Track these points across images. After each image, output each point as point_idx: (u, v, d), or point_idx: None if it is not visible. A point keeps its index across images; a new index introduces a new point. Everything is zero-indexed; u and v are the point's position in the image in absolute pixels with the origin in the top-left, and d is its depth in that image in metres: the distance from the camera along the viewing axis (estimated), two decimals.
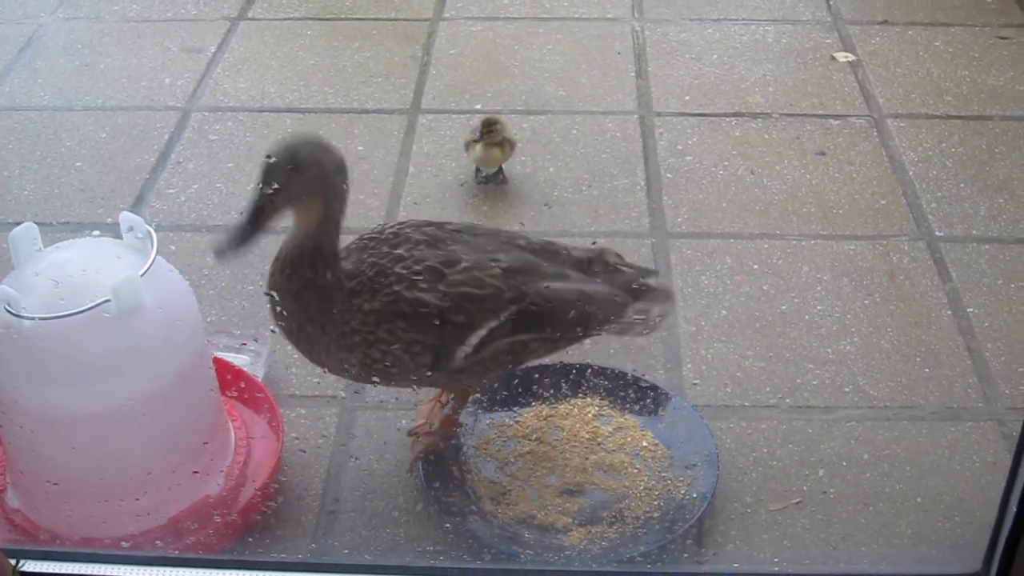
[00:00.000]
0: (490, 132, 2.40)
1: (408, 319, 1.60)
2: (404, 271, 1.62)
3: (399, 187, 2.48)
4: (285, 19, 3.15)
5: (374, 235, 1.70)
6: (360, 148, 2.60)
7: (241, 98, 2.80)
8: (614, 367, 1.96)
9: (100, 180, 2.51)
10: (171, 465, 1.64)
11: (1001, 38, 3.01)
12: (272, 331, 2.04)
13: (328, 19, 3.15)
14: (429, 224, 1.71)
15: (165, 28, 3.10)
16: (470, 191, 2.48)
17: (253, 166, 2.54)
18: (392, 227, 1.71)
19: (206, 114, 2.73)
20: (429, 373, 1.64)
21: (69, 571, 1.49)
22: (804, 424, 1.91)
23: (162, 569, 1.52)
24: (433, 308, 1.60)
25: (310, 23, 3.13)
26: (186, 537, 1.65)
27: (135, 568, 1.51)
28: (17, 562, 1.24)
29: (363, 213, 2.37)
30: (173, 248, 2.28)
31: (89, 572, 1.50)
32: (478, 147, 2.42)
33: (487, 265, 1.64)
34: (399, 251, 1.64)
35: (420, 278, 1.61)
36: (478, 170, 2.49)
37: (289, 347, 2.00)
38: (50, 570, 1.48)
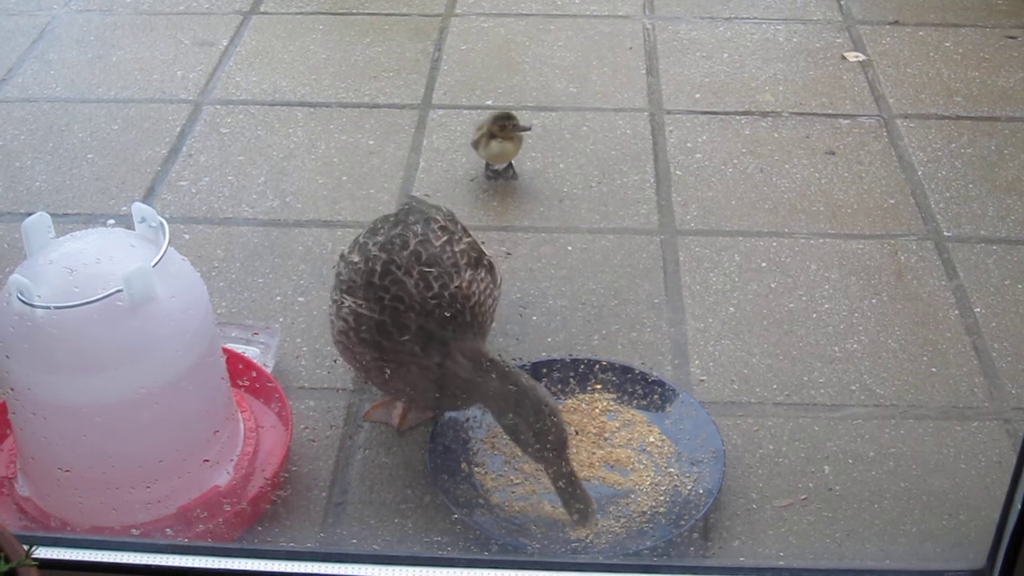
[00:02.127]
0: (504, 128, 2.40)
1: (475, 267, 1.77)
2: (436, 237, 1.77)
3: (409, 182, 2.49)
4: (297, 13, 3.16)
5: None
6: (371, 143, 2.61)
7: (253, 91, 2.81)
8: (622, 362, 1.97)
9: (112, 171, 2.52)
10: (181, 454, 1.65)
11: (1010, 38, 3.01)
12: (280, 322, 2.07)
13: (340, 14, 3.16)
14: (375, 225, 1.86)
15: (177, 21, 3.11)
16: (480, 186, 2.48)
17: (264, 159, 2.55)
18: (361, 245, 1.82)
19: (218, 107, 2.75)
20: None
21: (80, 557, 1.50)
22: (810, 421, 1.92)
23: (172, 557, 1.53)
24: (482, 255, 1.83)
25: (322, 17, 3.14)
26: (196, 526, 1.66)
27: (145, 555, 1.51)
28: (30, 548, 1.25)
29: (373, 208, 2.38)
30: (185, 239, 2.29)
31: (99, 559, 1.51)
32: (493, 143, 2.42)
33: None
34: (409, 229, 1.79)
35: (455, 236, 1.79)
36: (488, 165, 2.49)
37: (299, 339, 2.03)
38: (61, 556, 1.49)
